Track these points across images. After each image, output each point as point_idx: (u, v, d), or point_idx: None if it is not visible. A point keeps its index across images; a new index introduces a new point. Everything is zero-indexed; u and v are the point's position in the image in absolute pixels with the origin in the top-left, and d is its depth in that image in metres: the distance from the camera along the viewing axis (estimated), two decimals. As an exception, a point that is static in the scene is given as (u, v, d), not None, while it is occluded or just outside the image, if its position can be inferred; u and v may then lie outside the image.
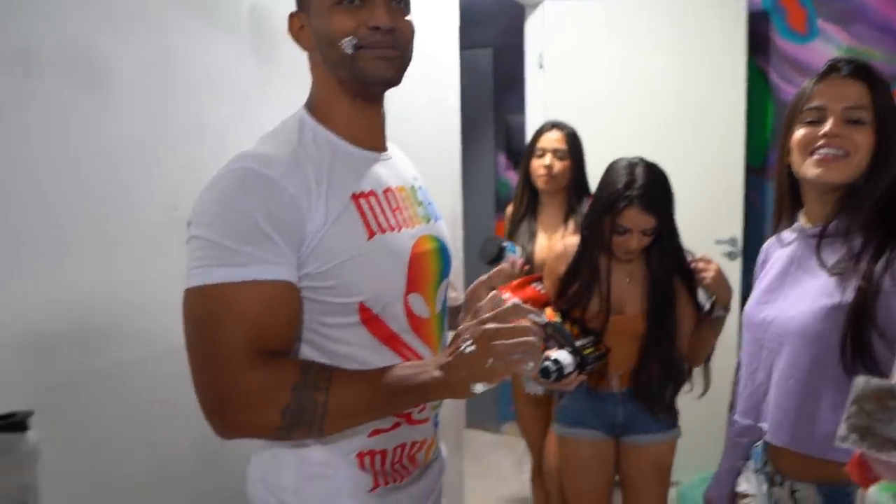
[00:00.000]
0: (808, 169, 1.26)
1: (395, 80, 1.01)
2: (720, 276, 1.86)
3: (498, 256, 2.22)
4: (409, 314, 1.04)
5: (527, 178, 2.42)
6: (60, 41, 1.18)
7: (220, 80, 1.48)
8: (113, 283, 1.28)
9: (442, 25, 2.41)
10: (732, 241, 3.13)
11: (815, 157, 1.25)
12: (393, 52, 0.98)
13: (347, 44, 0.96)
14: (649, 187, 1.79)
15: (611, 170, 1.87)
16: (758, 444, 1.41)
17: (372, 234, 0.98)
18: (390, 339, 1.02)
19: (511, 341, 0.86)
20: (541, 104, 3.19)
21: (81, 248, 1.23)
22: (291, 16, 1.03)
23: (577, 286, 1.91)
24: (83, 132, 1.22)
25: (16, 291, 1.13)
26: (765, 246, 1.47)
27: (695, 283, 1.91)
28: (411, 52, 1.03)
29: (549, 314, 1.88)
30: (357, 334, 0.99)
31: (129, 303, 1.30)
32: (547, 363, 1.71)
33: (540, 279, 2.07)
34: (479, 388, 0.86)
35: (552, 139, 2.38)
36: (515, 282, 2.06)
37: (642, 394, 1.93)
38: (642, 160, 1.85)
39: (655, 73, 3.11)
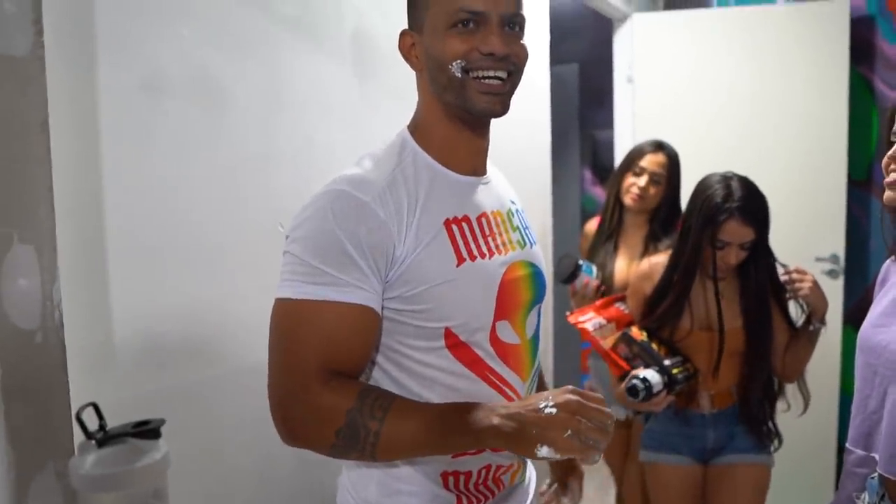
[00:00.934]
0: (886, 191, 1.18)
1: (502, 113, 1.01)
2: (816, 288, 1.80)
3: (572, 276, 2.19)
4: (496, 341, 1.03)
5: (618, 196, 2.37)
6: (184, 66, 1.25)
7: (326, 99, 1.53)
8: (223, 295, 1.33)
9: (533, 43, 2.42)
10: (834, 259, 2.99)
11: (887, 179, 1.17)
12: (501, 87, 0.98)
13: (457, 66, 0.96)
14: (748, 199, 1.75)
15: (704, 185, 1.83)
16: (873, 475, 1.32)
17: (461, 261, 0.98)
18: (475, 364, 1.02)
19: (593, 424, 0.85)
20: (630, 118, 3.15)
21: (196, 260, 1.29)
22: (403, 33, 1.03)
23: (666, 304, 1.87)
24: (203, 149, 1.29)
25: (139, 301, 1.20)
26: (885, 265, 1.40)
27: (785, 296, 1.85)
28: (521, 77, 1.02)
29: (636, 333, 1.84)
30: (442, 358, 1.00)
31: (237, 314, 1.35)
32: (635, 381, 1.67)
33: (623, 299, 2.03)
34: (544, 451, 0.84)
35: (655, 161, 2.29)
36: (599, 301, 2.04)
37: (749, 413, 1.87)
38: (735, 174, 1.81)
39: (750, 83, 3.01)
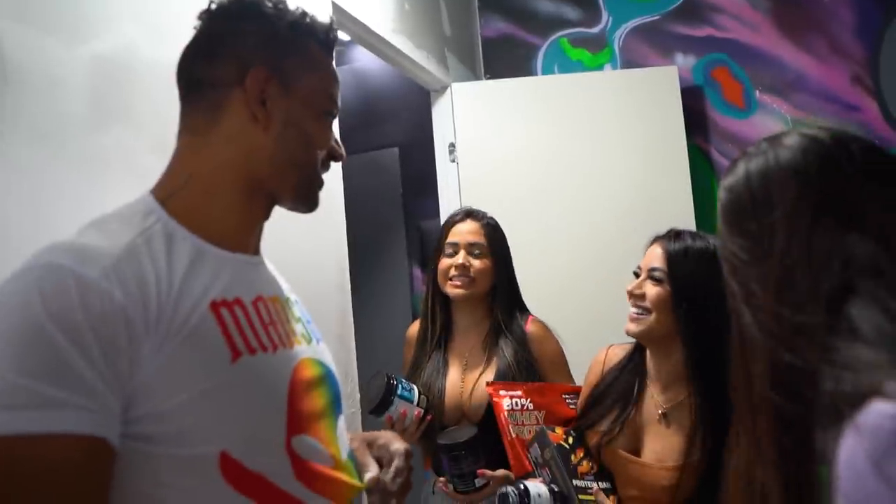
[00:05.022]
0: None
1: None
2: None
3: (384, 403, 1.59)
4: (298, 463, 0.80)
5: (436, 287, 1.81)
6: None
7: None
8: None
9: None
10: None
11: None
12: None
13: (322, 155, 0.91)
14: None
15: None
16: None
17: (237, 356, 0.78)
18: (278, 500, 0.78)
19: None
20: (455, 200, 2.70)
21: None
22: (259, 69, 0.85)
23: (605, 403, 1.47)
24: None
25: None
26: None
27: None
28: None
29: (556, 434, 1.45)
30: (224, 498, 0.74)
31: None
32: (508, 490, 1.31)
33: (578, 392, 1.59)
34: None
35: (465, 231, 1.79)
36: (534, 384, 1.62)
37: None
38: None
39: (585, 154, 2.69)
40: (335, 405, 0.93)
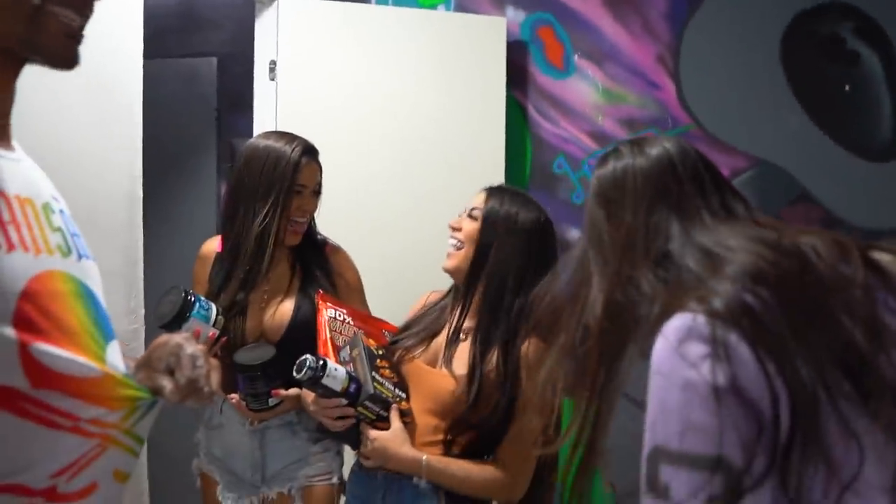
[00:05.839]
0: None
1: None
2: None
3: (178, 318, 1.54)
4: (37, 369, 0.74)
5: (279, 229, 1.70)
6: None
7: None
8: None
9: (121, 31, 1.74)
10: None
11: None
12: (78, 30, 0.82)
13: None
14: None
15: None
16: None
17: None
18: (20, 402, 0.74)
19: None
20: (272, 124, 2.59)
21: None
22: None
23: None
24: None
25: None
26: None
27: None
28: None
29: (370, 341, 1.58)
30: None
31: None
32: (310, 357, 1.42)
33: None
34: None
35: (314, 173, 1.76)
36: (366, 315, 1.72)
37: None
38: None
39: (409, 92, 2.70)
40: (101, 327, 0.87)
